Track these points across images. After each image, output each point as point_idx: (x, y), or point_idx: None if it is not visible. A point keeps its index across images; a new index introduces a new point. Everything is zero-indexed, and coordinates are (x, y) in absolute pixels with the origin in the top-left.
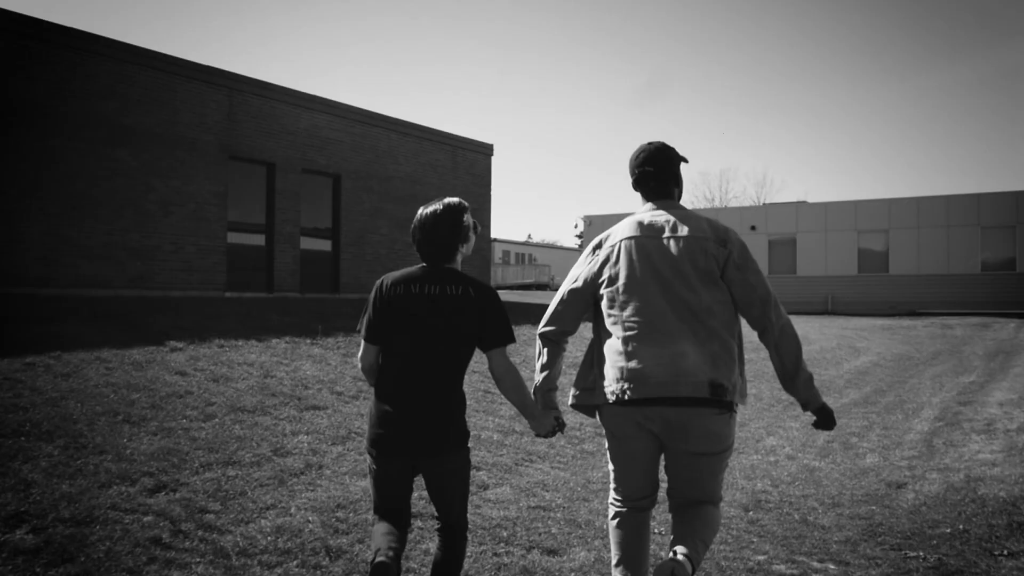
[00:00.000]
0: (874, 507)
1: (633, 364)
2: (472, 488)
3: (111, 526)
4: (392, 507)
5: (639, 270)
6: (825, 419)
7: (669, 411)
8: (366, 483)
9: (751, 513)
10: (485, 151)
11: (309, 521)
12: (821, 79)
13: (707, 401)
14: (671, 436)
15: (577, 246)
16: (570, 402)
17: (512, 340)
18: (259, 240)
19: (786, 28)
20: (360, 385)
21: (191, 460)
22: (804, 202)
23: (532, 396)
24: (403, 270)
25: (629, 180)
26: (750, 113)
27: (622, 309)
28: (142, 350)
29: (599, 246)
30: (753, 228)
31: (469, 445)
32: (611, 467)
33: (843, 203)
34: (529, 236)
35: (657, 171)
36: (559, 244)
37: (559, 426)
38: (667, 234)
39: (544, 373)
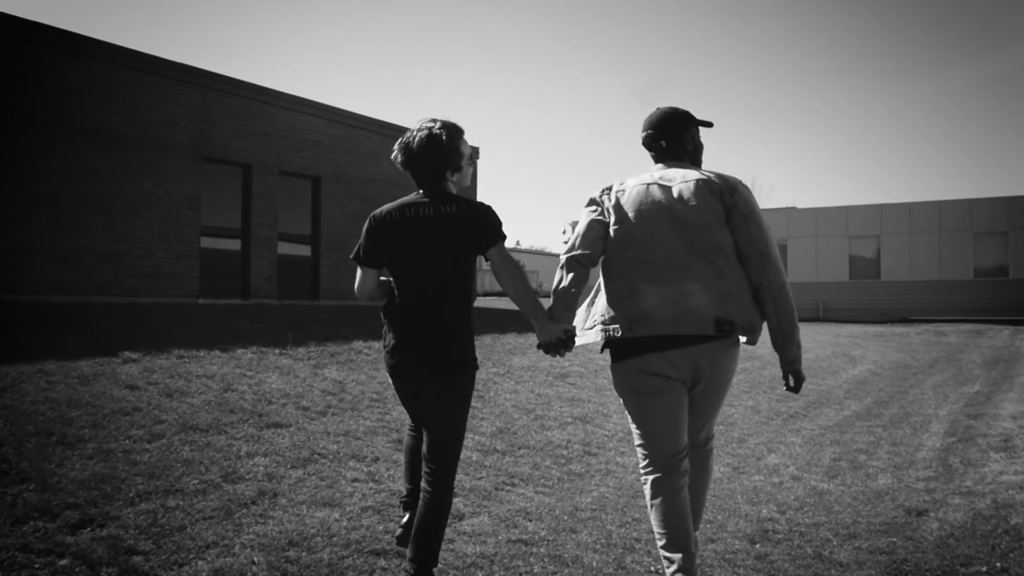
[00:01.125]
0: (895, 539)
1: (639, 303)
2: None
3: (16, 572)
4: (416, 419)
5: (648, 212)
6: (799, 383)
7: (681, 352)
8: (324, 514)
9: (758, 546)
10: (471, 153)
11: (254, 563)
12: (810, 84)
13: (712, 338)
14: (696, 376)
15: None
16: (578, 340)
17: (504, 237)
18: (235, 245)
19: (777, 33)
20: (329, 399)
21: (127, 489)
22: (794, 208)
23: (536, 297)
24: (399, 200)
25: (644, 142)
26: (740, 117)
27: (630, 249)
28: (92, 361)
29: (608, 191)
30: None
31: (469, 391)
32: (634, 429)
33: (834, 208)
34: (518, 242)
35: (666, 134)
36: (548, 250)
37: (567, 340)
38: (678, 182)
39: (563, 290)
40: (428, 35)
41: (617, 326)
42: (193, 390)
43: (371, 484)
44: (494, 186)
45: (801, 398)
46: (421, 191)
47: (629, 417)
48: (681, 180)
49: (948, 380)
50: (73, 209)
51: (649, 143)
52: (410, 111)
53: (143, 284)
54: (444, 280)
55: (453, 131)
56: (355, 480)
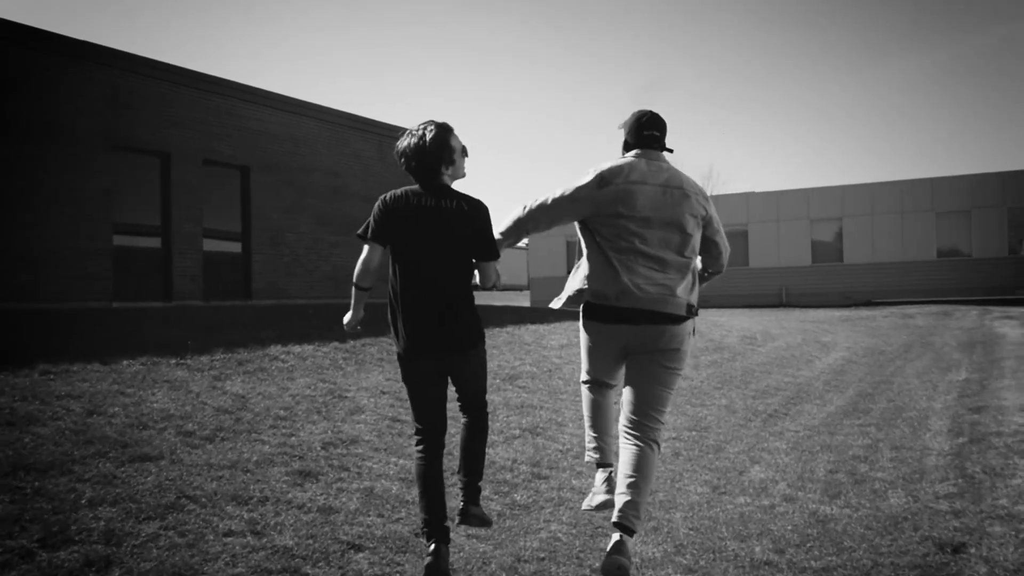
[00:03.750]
0: None
1: (631, 280)
2: None
3: None
4: (430, 410)
5: (649, 211)
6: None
7: (649, 329)
8: None
9: None
10: None
11: None
12: (767, 68)
13: (683, 318)
14: (643, 349)
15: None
16: (559, 304)
17: (497, 257)
18: (154, 242)
19: (734, 15)
20: (222, 420)
21: None
22: (754, 192)
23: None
24: (405, 187)
25: (624, 139)
26: (698, 101)
27: (630, 239)
28: None
29: (610, 181)
30: None
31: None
32: (584, 356)
33: (794, 191)
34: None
35: (661, 133)
36: (520, 245)
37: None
38: (672, 185)
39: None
40: (380, 23)
41: (606, 293)
42: (46, 416)
43: (249, 539)
44: (490, 184)
45: (778, 393)
46: (420, 185)
47: (583, 346)
48: (675, 185)
49: (929, 367)
50: None
51: (644, 140)
52: (362, 99)
53: (46, 288)
54: (451, 265)
55: (443, 129)
56: (228, 534)
